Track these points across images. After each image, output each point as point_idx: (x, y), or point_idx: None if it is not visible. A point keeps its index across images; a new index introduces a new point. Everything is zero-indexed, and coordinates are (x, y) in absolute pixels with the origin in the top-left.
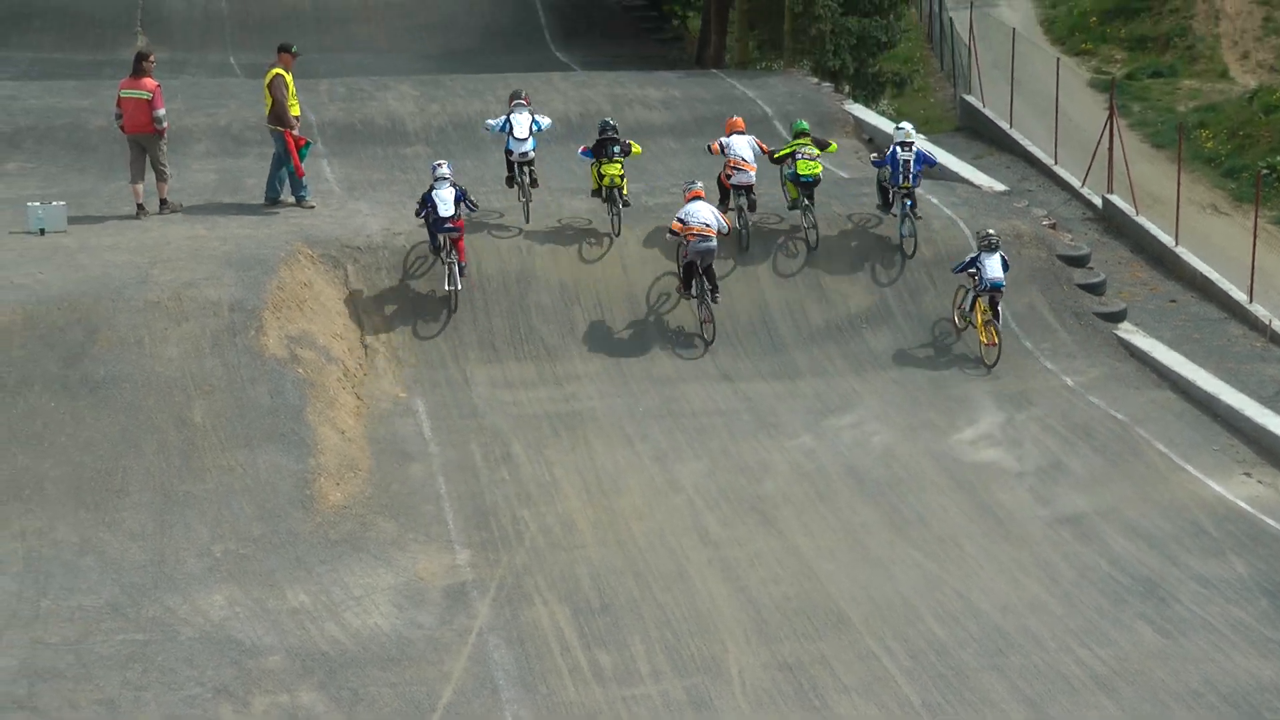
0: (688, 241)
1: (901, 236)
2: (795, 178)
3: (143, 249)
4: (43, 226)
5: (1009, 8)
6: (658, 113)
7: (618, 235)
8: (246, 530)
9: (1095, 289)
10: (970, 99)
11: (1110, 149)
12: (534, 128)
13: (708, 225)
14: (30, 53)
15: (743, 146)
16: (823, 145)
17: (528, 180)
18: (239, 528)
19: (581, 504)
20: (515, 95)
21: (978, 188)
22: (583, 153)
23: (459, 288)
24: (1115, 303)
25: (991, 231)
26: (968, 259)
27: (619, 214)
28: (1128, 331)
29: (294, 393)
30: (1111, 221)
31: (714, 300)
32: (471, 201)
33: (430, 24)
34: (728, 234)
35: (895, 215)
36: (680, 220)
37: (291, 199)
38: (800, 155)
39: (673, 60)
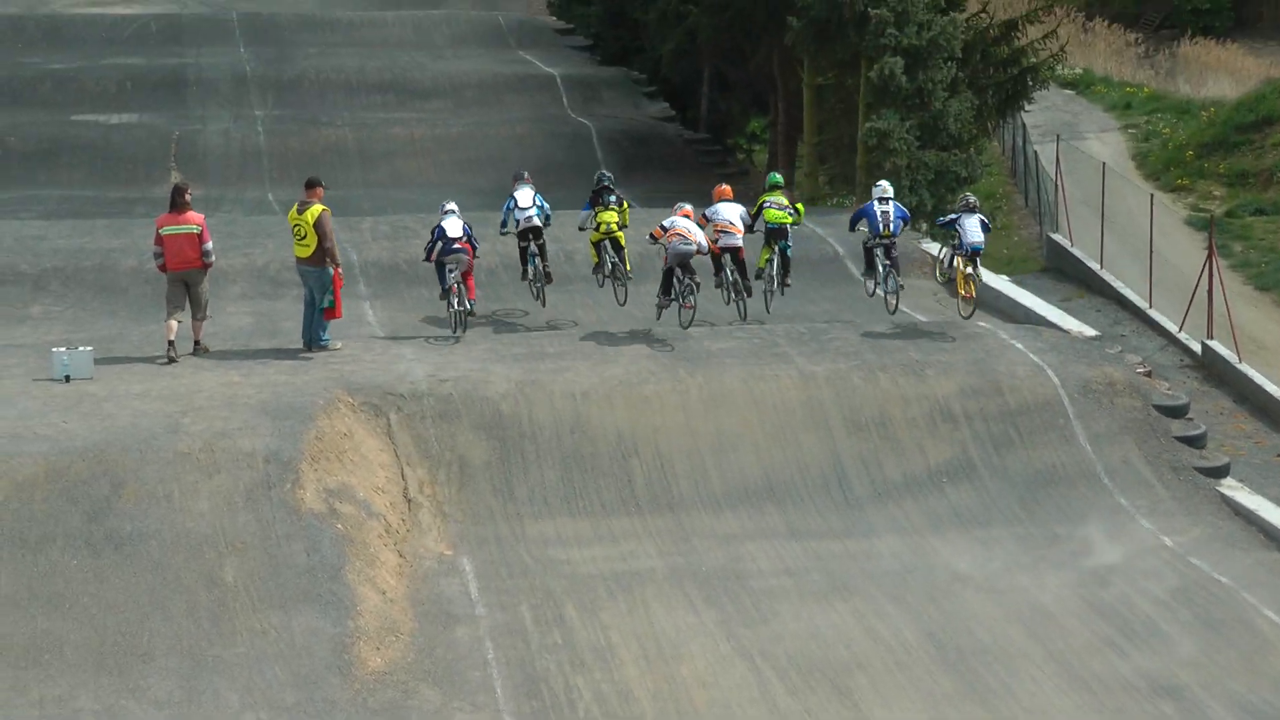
0: (668, 244)
1: (885, 293)
2: (764, 225)
3: (173, 397)
4: (68, 373)
5: (1098, 141)
6: None
7: (623, 304)
8: (280, 698)
9: (1195, 441)
10: (1057, 237)
11: (1210, 291)
12: (537, 200)
13: (689, 231)
14: (59, 190)
15: (730, 211)
16: (791, 201)
17: (539, 261)
18: (272, 695)
19: (639, 671)
20: (518, 175)
21: (1066, 332)
22: (584, 208)
23: (465, 322)
24: (1217, 457)
25: (971, 196)
26: (949, 217)
27: (624, 286)
28: (1231, 488)
29: (332, 550)
30: (1212, 369)
31: (693, 298)
32: (475, 239)
33: (480, 158)
34: (706, 253)
35: (879, 271)
36: (662, 227)
37: (315, 341)
38: (769, 205)
39: (737, 196)
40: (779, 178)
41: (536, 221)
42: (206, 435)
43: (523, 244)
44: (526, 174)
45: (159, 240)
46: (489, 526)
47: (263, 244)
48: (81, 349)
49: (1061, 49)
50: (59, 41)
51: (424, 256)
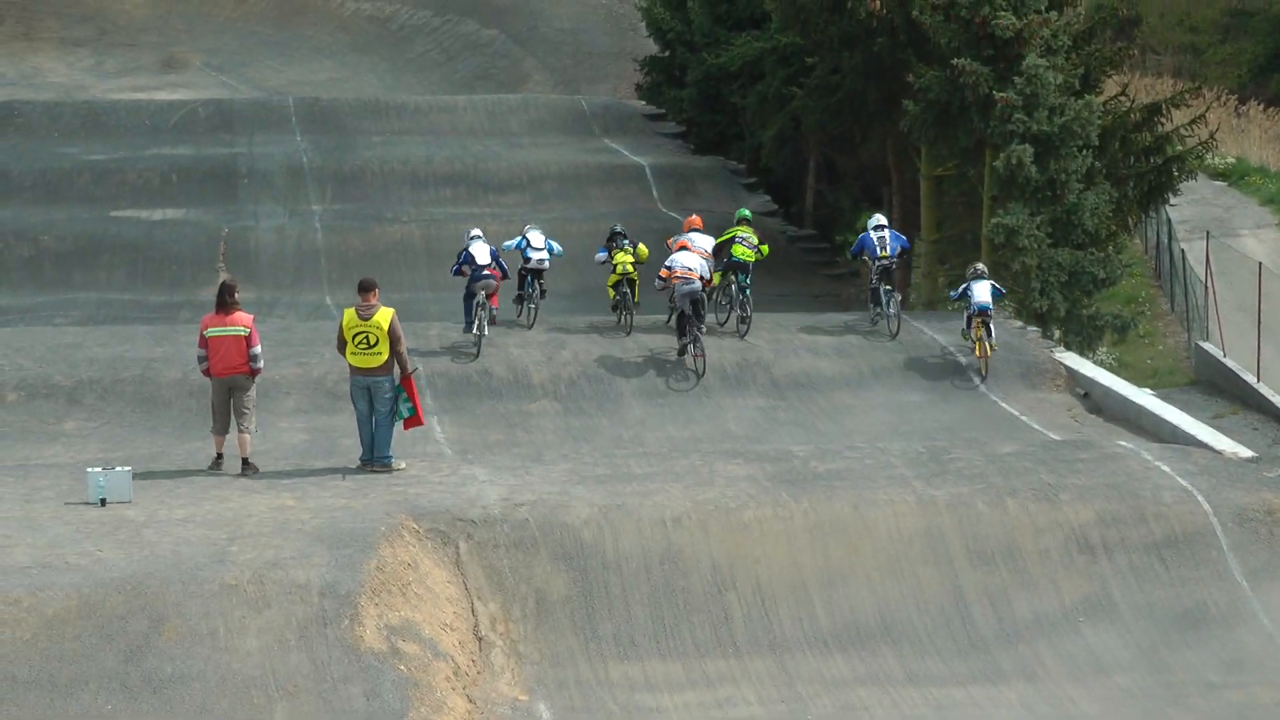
0: (675, 287)
1: (886, 317)
2: (730, 258)
3: (220, 522)
4: (104, 496)
5: (1254, 238)
6: (828, 361)
7: (628, 334)
8: None
9: None
10: (1207, 346)
11: None
12: (548, 245)
13: (691, 269)
14: (97, 293)
15: (688, 259)
16: (759, 240)
17: (536, 291)
18: None
19: None
20: (530, 225)
21: (1218, 453)
22: (599, 251)
23: (486, 333)
24: None
25: (980, 265)
26: (960, 288)
27: (630, 312)
28: None
29: (394, 694)
30: None
31: (701, 337)
32: (503, 265)
33: (564, 260)
34: (710, 283)
35: (880, 296)
36: (667, 267)
37: (380, 461)
38: (740, 240)
39: (847, 300)
40: (748, 213)
41: (545, 267)
42: (256, 565)
43: (524, 274)
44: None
45: (203, 342)
46: (569, 669)
47: (319, 352)
48: (119, 469)
49: (1211, 136)
50: (98, 130)
51: (453, 270)
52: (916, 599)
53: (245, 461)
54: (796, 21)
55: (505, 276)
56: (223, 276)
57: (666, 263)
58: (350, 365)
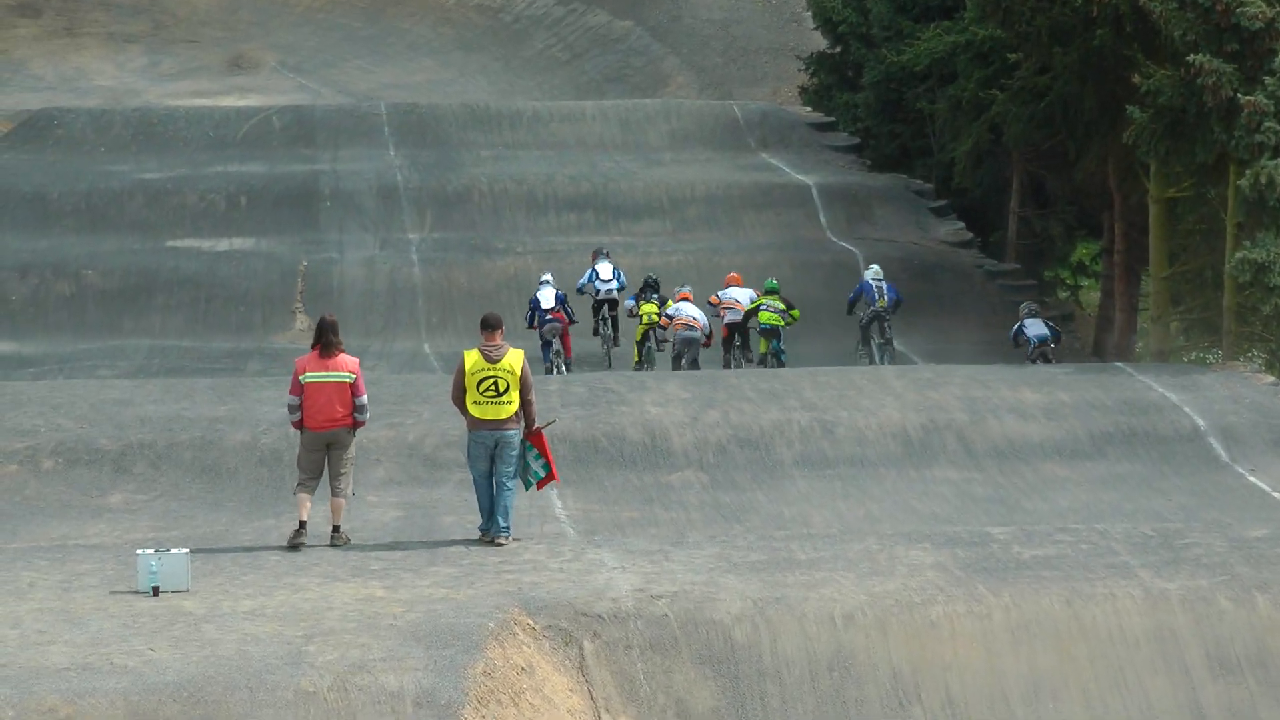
0: (675, 333)
1: (881, 364)
2: (757, 325)
3: (295, 616)
4: (156, 584)
5: None
6: (1036, 424)
7: (649, 367)
8: None
9: None
10: None
11: None
12: (616, 274)
13: (695, 319)
14: (150, 339)
15: (738, 293)
16: (789, 305)
17: (608, 328)
18: None
19: None
20: (598, 251)
21: None
22: (630, 300)
23: (566, 370)
24: None
25: (1032, 304)
26: (1015, 327)
27: (651, 362)
28: None
29: None
30: None
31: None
32: (570, 309)
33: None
34: (710, 336)
35: (872, 346)
36: (667, 316)
37: (499, 531)
38: (765, 308)
39: (1059, 349)
40: (775, 283)
41: (615, 296)
42: (338, 669)
43: (596, 307)
44: (606, 250)
45: (297, 388)
46: None
47: (415, 411)
48: (175, 551)
49: None
50: (153, 144)
51: (526, 324)
52: (1144, 716)
53: (335, 530)
54: (997, 10)
55: (572, 321)
56: (300, 322)
57: (668, 311)
58: (472, 418)
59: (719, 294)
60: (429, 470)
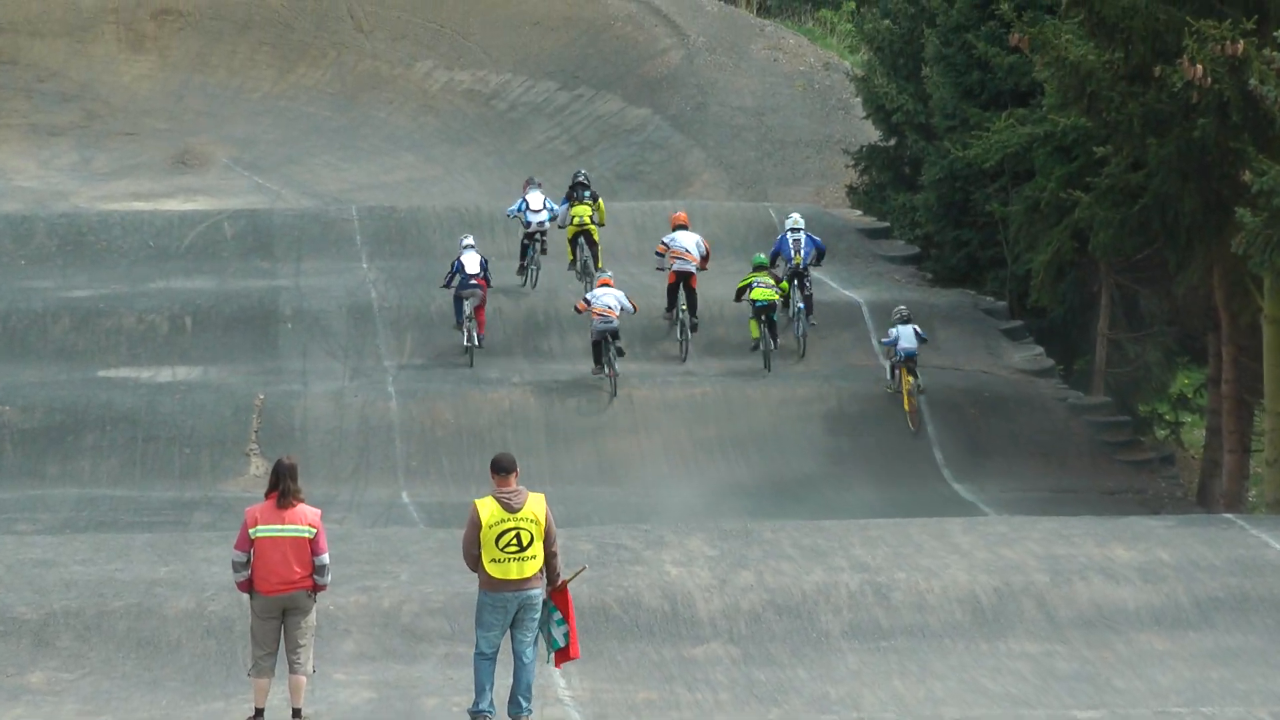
0: (592, 321)
1: (796, 335)
2: (751, 303)
3: None
4: None
5: None
6: (1130, 588)
7: (586, 277)
8: None
9: None
10: None
11: None
12: (547, 204)
13: (610, 308)
14: (78, 488)
15: (686, 239)
16: (776, 280)
17: (538, 253)
18: None
19: None
20: (530, 180)
21: None
22: (561, 203)
23: (477, 344)
24: None
25: (903, 306)
26: (888, 335)
27: (590, 260)
28: None
29: None
30: None
31: (614, 365)
32: (489, 275)
33: (742, 436)
34: (635, 312)
35: (790, 311)
36: (585, 300)
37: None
38: (757, 284)
39: (1156, 498)
40: (764, 258)
41: (546, 227)
42: None
43: (525, 242)
44: (539, 181)
45: (246, 543)
46: None
47: (391, 573)
48: None
49: None
50: (83, 255)
51: (443, 283)
52: None
53: (296, 713)
54: (1081, 96)
55: (489, 286)
56: (255, 467)
57: (586, 296)
58: (489, 579)
59: (665, 240)
60: (407, 643)
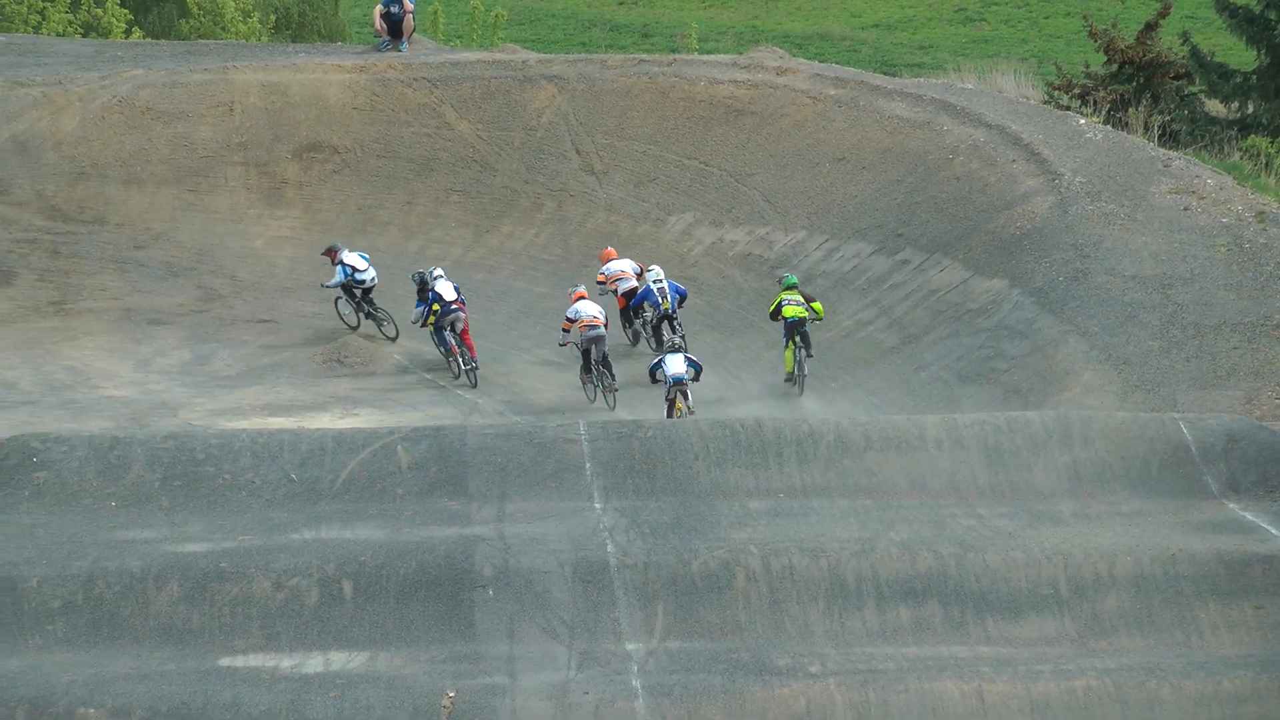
0: (580, 333)
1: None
2: (784, 320)
3: None
4: None
5: None
6: None
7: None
8: None
9: None
10: None
11: None
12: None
13: (595, 317)
14: None
15: (622, 264)
16: (809, 299)
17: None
18: None
19: None
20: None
21: None
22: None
23: (476, 379)
24: None
25: (675, 339)
26: (655, 362)
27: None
28: None
29: None
30: None
31: (613, 383)
32: (463, 299)
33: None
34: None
35: (666, 342)
36: (569, 319)
37: None
38: (787, 302)
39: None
40: (794, 279)
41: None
42: None
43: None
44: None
45: None
46: None
47: None
48: None
49: None
50: (198, 494)
51: (419, 323)
52: None
53: None
54: None
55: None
56: None
57: (569, 313)
58: None
59: (603, 270)
60: None
